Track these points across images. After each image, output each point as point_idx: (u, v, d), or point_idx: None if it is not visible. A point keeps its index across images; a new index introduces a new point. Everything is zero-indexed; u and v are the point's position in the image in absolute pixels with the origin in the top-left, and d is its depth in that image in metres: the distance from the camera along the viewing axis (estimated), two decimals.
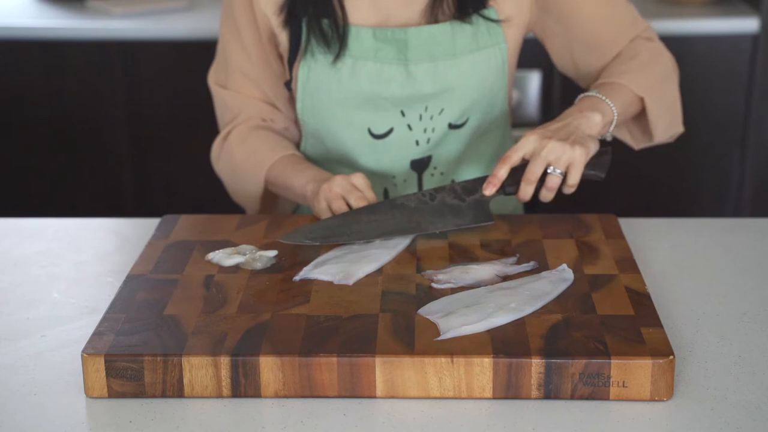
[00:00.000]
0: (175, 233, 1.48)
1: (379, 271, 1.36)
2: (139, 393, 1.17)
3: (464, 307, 1.24)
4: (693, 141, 2.81)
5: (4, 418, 1.14)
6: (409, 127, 1.65)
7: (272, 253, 1.41)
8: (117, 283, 1.42)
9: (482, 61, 1.64)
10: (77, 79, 2.84)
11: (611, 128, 1.57)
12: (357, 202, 1.49)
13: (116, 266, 1.49)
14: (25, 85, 2.86)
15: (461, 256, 1.40)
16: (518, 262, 1.38)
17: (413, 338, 1.18)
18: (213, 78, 1.75)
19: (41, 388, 1.20)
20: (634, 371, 1.14)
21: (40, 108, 2.86)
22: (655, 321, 1.21)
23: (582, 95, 1.58)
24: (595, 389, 1.15)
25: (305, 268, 1.36)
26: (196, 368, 1.16)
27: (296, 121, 1.75)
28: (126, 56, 2.80)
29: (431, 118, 1.65)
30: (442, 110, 1.65)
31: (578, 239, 1.44)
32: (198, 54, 2.51)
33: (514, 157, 1.47)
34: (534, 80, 2.80)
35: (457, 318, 1.21)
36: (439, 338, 1.18)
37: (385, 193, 1.69)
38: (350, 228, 1.44)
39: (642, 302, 1.26)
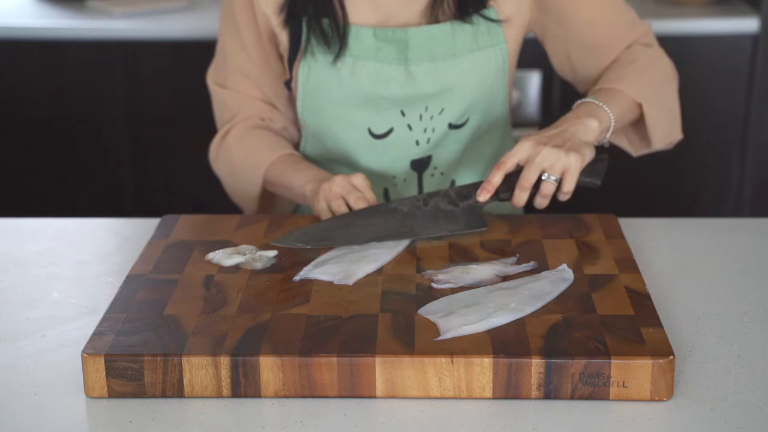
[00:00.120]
0: (175, 233, 1.48)
1: (379, 271, 1.36)
2: (139, 393, 1.17)
3: (464, 307, 1.24)
4: (693, 141, 2.81)
5: (4, 418, 1.14)
6: (409, 127, 1.65)
7: (272, 253, 1.41)
8: (117, 283, 1.42)
9: (482, 61, 1.64)
10: (77, 79, 2.84)
11: (608, 135, 1.56)
12: (357, 203, 1.49)
13: (116, 266, 1.49)
14: (25, 85, 2.86)
15: (461, 256, 1.40)
16: (518, 262, 1.38)
17: (413, 338, 1.18)
18: (212, 77, 1.75)
19: (41, 388, 1.20)
20: (634, 371, 1.14)
21: (40, 108, 2.86)
22: (655, 321, 1.21)
23: (579, 101, 1.58)
24: (595, 389, 1.15)
25: (305, 268, 1.36)
26: (196, 368, 1.16)
27: (295, 121, 1.75)
28: (126, 56, 2.80)
29: (431, 118, 1.65)
30: (442, 110, 1.65)
31: (578, 239, 1.44)
32: (198, 54, 2.51)
33: (509, 163, 1.46)
34: (534, 80, 2.80)
35: (457, 318, 1.21)
36: (439, 338, 1.18)
37: (386, 193, 1.70)
38: (342, 232, 1.44)
39: (642, 302, 1.26)
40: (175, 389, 1.17)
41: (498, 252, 1.41)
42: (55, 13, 2.90)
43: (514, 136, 1.80)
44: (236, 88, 1.71)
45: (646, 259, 1.48)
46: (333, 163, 1.71)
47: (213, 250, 1.42)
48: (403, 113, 1.64)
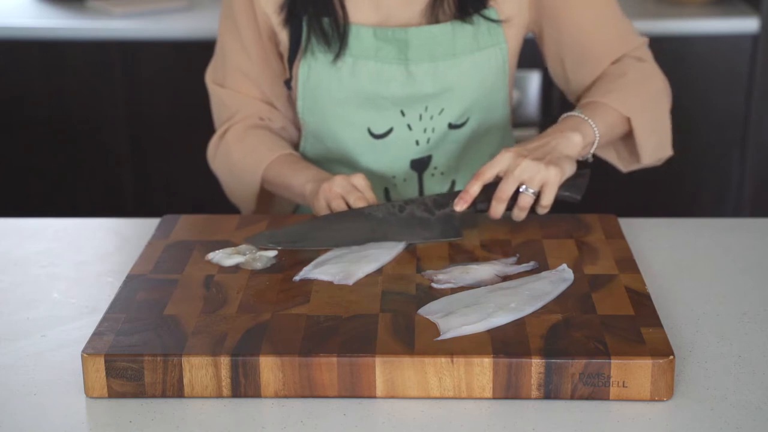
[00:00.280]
0: (175, 233, 1.48)
1: (379, 271, 1.36)
2: (139, 393, 1.17)
3: (464, 307, 1.24)
4: (693, 141, 2.81)
5: (4, 418, 1.14)
6: (409, 126, 1.65)
7: (272, 253, 1.41)
8: (117, 283, 1.42)
9: (483, 61, 1.64)
10: (77, 79, 2.84)
11: (592, 149, 1.55)
12: (356, 203, 1.49)
13: (116, 266, 1.49)
14: (25, 85, 2.86)
15: (461, 256, 1.40)
16: (518, 262, 1.38)
17: (413, 338, 1.18)
18: (210, 76, 1.75)
19: (41, 388, 1.20)
20: (634, 371, 1.14)
21: (40, 108, 2.87)
22: (655, 321, 1.21)
23: (565, 114, 1.57)
24: (595, 389, 1.15)
25: (305, 268, 1.36)
26: (196, 368, 1.16)
27: (294, 121, 1.75)
28: (126, 56, 2.80)
29: (431, 118, 1.65)
30: (442, 110, 1.65)
31: (578, 239, 1.44)
32: (198, 54, 2.50)
33: (487, 174, 1.45)
34: (534, 80, 2.80)
35: (457, 318, 1.21)
36: (439, 338, 1.18)
37: (386, 192, 1.70)
38: (314, 235, 1.43)
39: (642, 302, 1.26)
40: (175, 389, 1.17)
41: (498, 252, 1.41)
42: (55, 13, 2.90)
43: (514, 136, 1.80)
44: (235, 88, 1.71)
45: (646, 259, 1.48)
46: (333, 162, 1.71)
47: (213, 250, 1.42)
48: (402, 113, 1.64)
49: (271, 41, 1.69)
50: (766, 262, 1.48)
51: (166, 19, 2.82)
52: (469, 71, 1.63)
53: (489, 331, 1.19)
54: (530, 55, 1.84)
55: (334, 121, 1.66)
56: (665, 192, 2.87)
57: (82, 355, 1.16)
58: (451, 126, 1.67)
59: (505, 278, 1.33)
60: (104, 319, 1.24)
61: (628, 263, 1.37)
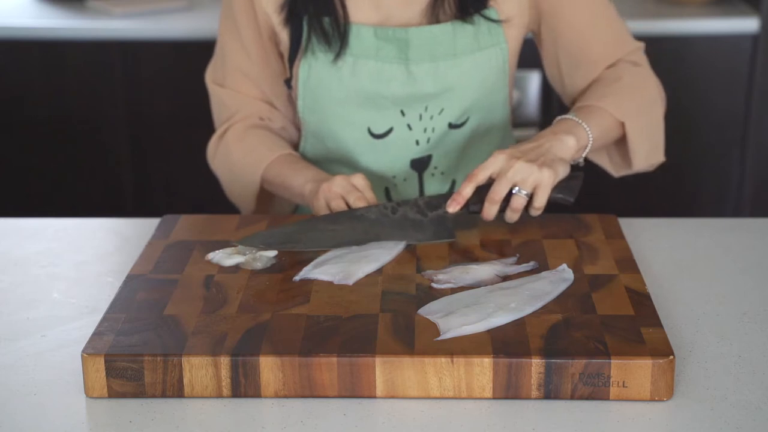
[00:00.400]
0: (175, 233, 1.48)
1: (379, 271, 1.36)
2: (139, 393, 1.17)
3: (464, 307, 1.24)
4: (693, 141, 2.81)
5: (4, 418, 1.14)
6: (409, 126, 1.65)
7: (272, 253, 1.41)
8: (117, 283, 1.42)
9: (483, 61, 1.64)
10: (77, 79, 2.84)
11: (585, 153, 1.55)
12: (357, 203, 1.49)
13: (116, 266, 1.49)
14: (25, 85, 2.86)
15: (461, 256, 1.40)
16: (518, 262, 1.38)
17: (413, 338, 1.18)
18: (210, 76, 1.75)
19: (41, 388, 1.20)
20: (634, 371, 1.14)
21: (40, 108, 2.87)
22: (655, 321, 1.21)
23: (559, 117, 1.57)
24: (595, 389, 1.15)
25: (305, 268, 1.36)
26: (196, 368, 1.16)
27: (294, 121, 1.75)
28: (126, 56, 2.80)
29: (431, 117, 1.65)
30: (442, 110, 1.65)
31: (578, 239, 1.44)
32: (198, 54, 2.50)
33: (480, 176, 1.45)
34: (534, 80, 2.80)
35: (457, 318, 1.21)
36: (439, 338, 1.18)
37: (386, 192, 1.70)
38: (306, 236, 1.43)
39: (642, 302, 1.26)
40: (175, 389, 1.17)
41: (498, 252, 1.41)
42: (55, 13, 2.90)
43: (514, 136, 1.80)
44: (235, 88, 1.71)
45: (646, 259, 1.48)
46: (333, 162, 1.71)
47: (213, 250, 1.42)
48: (403, 113, 1.64)
49: (272, 41, 1.69)
50: (766, 262, 1.48)
51: (166, 19, 2.82)
52: (469, 71, 1.63)
53: (489, 331, 1.19)
54: (530, 55, 1.84)
55: (334, 121, 1.66)
56: (665, 192, 2.87)
57: (82, 355, 1.16)
58: (452, 126, 1.67)
59: (505, 278, 1.33)
60: (104, 319, 1.24)
61: (628, 263, 1.37)
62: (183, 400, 1.17)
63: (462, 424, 1.12)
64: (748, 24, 2.73)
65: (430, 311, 1.24)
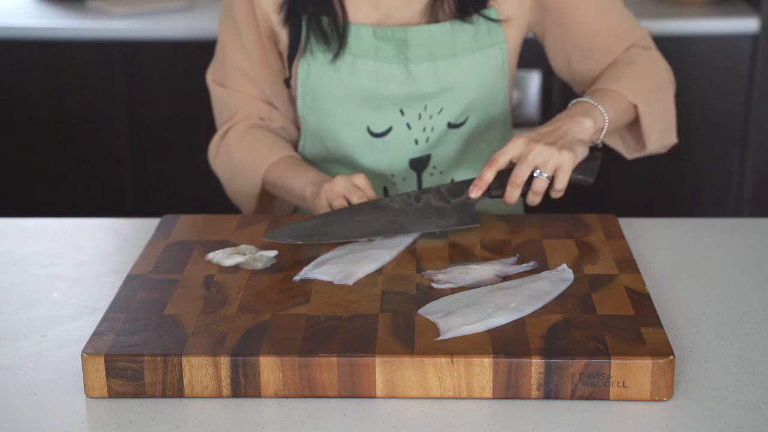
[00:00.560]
0: (175, 233, 1.48)
1: (379, 271, 1.36)
2: (139, 393, 1.17)
3: (464, 307, 1.24)
4: (693, 141, 2.81)
5: (4, 418, 1.14)
6: (408, 126, 1.65)
7: (272, 253, 1.41)
8: (117, 283, 1.42)
9: (482, 60, 1.64)
10: (77, 79, 2.84)
11: (602, 135, 1.56)
12: (358, 201, 1.49)
13: (116, 266, 1.49)
14: (25, 85, 2.86)
15: (461, 256, 1.40)
16: (518, 262, 1.38)
17: (413, 338, 1.18)
18: (211, 76, 1.75)
19: (41, 388, 1.20)
20: (634, 371, 1.14)
21: (40, 108, 2.87)
22: (655, 321, 1.21)
23: (575, 101, 1.58)
24: (595, 389, 1.15)
25: (305, 268, 1.36)
26: (196, 368, 1.16)
27: (294, 121, 1.75)
28: (126, 56, 2.80)
29: (430, 117, 1.65)
30: (442, 110, 1.65)
31: (578, 239, 1.44)
32: (198, 54, 2.51)
33: (501, 161, 1.46)
34: (534, 80, 2.80)
35: (457, 318, 1.21)
36: (439, 338, 1.18)
37: (385, 192, 1.70)
38: (333, 228, 1.43)
39: (642, 302, 1.26)
40: (175, 389, 1.17)
41: (498, 252, 1.41)
42: (55, 13, 2.90)
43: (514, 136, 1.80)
44: (236, 88, 1.71)
45: (646, 259, 1.48)
46: (332, 162, 1.71)
47: (213, 250, 1.42)
48: (402, 112, 1.64)
49: (271, 41, 1.69)
50: (766, 262, 1.48)
51: (166, 19, 2.82)
52: (468, 71, 1.64)
53: (489, 331, 1.19)
54: (530, 55, 1.84)
55: (334, 120, 1.66)
56: (665, 192, 2.87)
57: (82, 355, 1.16)
58: (451, 125, 1.67)
59: (505, 278, 1.33)
60: (104, 319, 1.24)
61: (628, 263, 1.37)
62: (183, 400, 1.17)
63: (462, 424, 1.12)
64: (748, 24, 2.73)
65: (430, 311, 1.24)
